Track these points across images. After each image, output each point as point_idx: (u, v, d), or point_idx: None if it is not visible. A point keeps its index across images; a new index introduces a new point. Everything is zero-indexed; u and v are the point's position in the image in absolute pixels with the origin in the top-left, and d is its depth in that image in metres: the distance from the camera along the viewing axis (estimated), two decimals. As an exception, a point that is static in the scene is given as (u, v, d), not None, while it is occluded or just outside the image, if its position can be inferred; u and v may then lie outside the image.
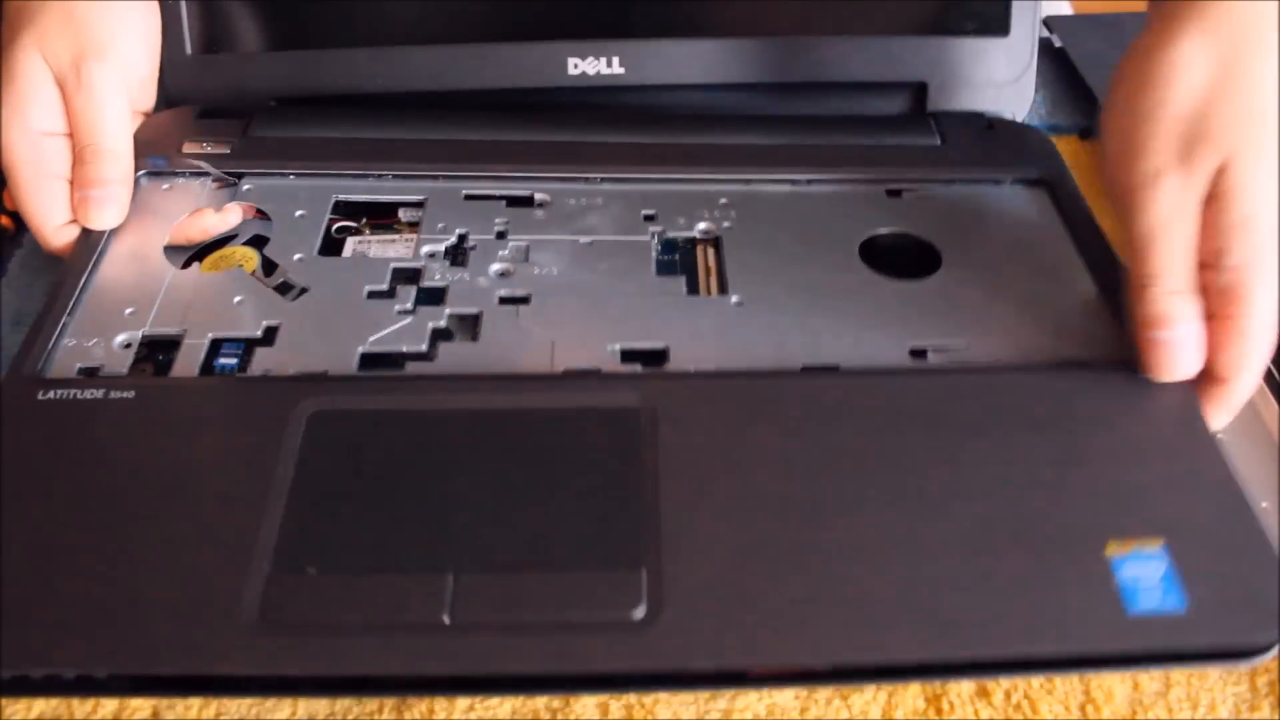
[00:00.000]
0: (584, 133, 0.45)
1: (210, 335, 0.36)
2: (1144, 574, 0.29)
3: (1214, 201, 0.34)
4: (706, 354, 0.36)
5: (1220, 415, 0.35)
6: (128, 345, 0.36)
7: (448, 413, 0.33)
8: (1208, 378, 0.34)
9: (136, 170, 0.42)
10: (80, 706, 0.30)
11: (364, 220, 0.42)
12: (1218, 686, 0.31)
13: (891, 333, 0.37)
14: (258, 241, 0.41)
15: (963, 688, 0.31)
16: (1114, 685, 0.31)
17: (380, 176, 0.43)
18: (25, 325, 0.38)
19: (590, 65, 0.46)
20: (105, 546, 0.30)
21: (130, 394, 0.33)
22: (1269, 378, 0.38)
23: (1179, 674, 0.32)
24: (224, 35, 0.46)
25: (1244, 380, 0.34)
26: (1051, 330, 0.37)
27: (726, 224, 0.41)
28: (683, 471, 0.32)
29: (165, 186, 0.42)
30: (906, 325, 0.37)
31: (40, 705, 0.30)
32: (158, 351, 0.36)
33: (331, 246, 0.41)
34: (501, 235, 0.41)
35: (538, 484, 0.31)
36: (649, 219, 0.42)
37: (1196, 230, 0.34)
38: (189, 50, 0.46)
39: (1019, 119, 0.48)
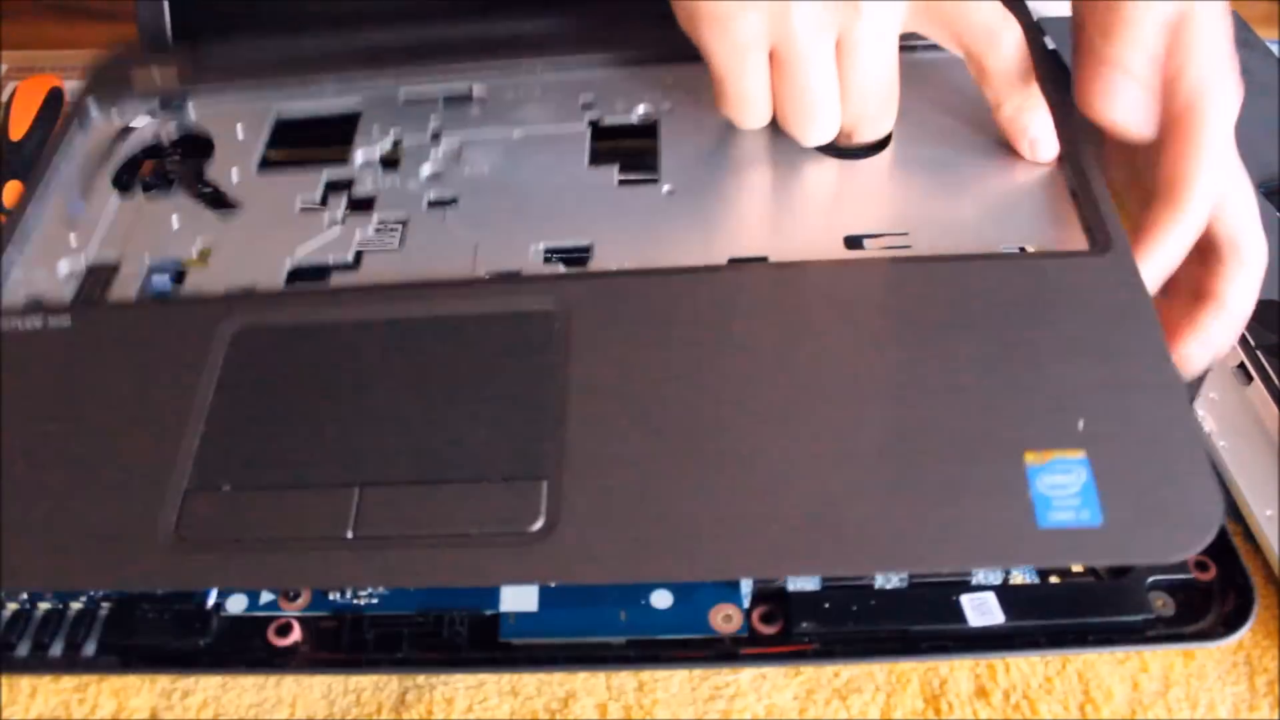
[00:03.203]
0: (529, 19, 0.43)
1: (147, 260, 0.37)
2: (1061, 485, 0.27)
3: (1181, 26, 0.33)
4: (630, 250, 0.35)
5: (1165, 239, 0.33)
6: (71, 274, 0.37)
7: (364, 324, 0.33)
8: (1155, 191, 0.33)
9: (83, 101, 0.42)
10: (79, 708, 0.32)
11: None
12: (1217, 686, 0.31)
13: (827, 220, 0.35)
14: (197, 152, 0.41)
15: (962, 688, 0.31)
16: (1113, 685, 0.31)
17: (320, 85, 0.42)
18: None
19: None
20: (28, 472, 0.31)
21: (66, 321, 0.35)
22: (1269, 383, 0.36)
23: (1178, 673, 0.31)
24: (210, 25, 0.45)
25: (1197, 190, 0.32)
26: (1001, 217, 0.35)
27: (667, 105, 0.40)
28: (593, 380, 0.31)
29: (114, 113, 0.43)
30: (844, 211, 0.36)
31: (39, 706, 0.32)
32: (100, 278, 0.37)
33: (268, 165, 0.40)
34: (436, 136, 0.40)
35: (449, 395, 0.31)
36: (586, 107, 0.40)
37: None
38: (171, 41, 0.45)
39: None
